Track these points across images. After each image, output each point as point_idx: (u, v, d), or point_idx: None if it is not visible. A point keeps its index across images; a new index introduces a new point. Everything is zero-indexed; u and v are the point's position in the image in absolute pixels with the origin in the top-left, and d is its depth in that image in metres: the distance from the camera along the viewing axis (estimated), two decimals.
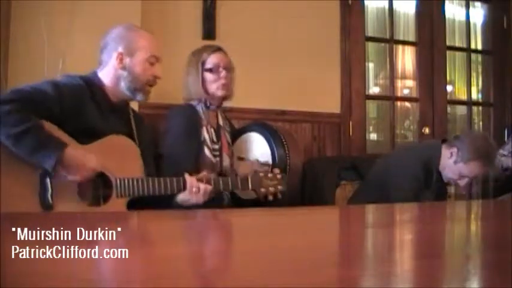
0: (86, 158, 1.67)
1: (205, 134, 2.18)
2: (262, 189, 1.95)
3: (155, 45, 1.91)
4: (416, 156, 2.44)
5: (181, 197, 1.82)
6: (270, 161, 2.20)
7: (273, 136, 2.23)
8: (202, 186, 1.83)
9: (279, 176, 1.98)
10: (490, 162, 2.36)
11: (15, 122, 1.58)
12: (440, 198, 2.53)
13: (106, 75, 1.86)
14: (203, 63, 2.23)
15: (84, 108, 1.76)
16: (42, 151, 1.59)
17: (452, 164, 2.35)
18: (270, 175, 1.97)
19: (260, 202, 2.05)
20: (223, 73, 2.23)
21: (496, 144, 2.49)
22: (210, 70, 2.23)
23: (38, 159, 1.60)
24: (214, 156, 2.18)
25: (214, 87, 2.22)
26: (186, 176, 1.83)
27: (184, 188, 1.82)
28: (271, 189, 1.96)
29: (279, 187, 1.97)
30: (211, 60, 2.24)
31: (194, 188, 1.81)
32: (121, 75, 1.85)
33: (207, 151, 2.16)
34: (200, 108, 2.22)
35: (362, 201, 2.40)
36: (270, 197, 1.96)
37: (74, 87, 1.76)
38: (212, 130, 2.22)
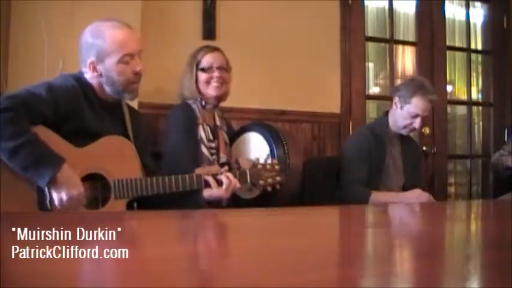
0: (73, 186, 1.63)
1: (201, 133, 2.19)
2: (261, 182, 1.95)
3: (126, 43, 1.81)
4: (362, 127, 2.77)
5: (215, 193, 1.87)
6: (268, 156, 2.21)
7: (272, 136, 2.23)
8: (233, 180, 1.87)
9: (277, 167, 1.98)
10: (428, 91, 2.52)
11: (10, 135, 1.55)
12: (415, 156, 2.72)
13: (90, 78, 1.84)
14: (198, 63, 2.25)
15: (79, 109, 1.75)
16: (35, 168, 1.57)
17: (400, 111, 2.54)
18: (268, 167, 1.97)
19: (260, 202, 2.05)
20: (215, 73, 2.24)
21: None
22: (203, 70, 2.24)
23: (31, 176, 1.59)
24: (211, 154, 2.19)
25: (207, 87, 2.23)
26: (224, 175, 1.87)
27: (184, 186, 1.82)
28: (270, 180, 1.96)
29: (278, 178, 1.98)
30: (205, 60, 2.25)
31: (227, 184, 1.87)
32: (101, 81, 1.83)
33: (204, 149, 2.17)
34: (196, 106, 2.23)
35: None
36: (269, 188, 1.97)
37: (68, 89, 1.74)
38: (208, 128, 2.23)
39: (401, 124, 2.55)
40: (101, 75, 1.81)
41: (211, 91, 2.23)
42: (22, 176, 1.59)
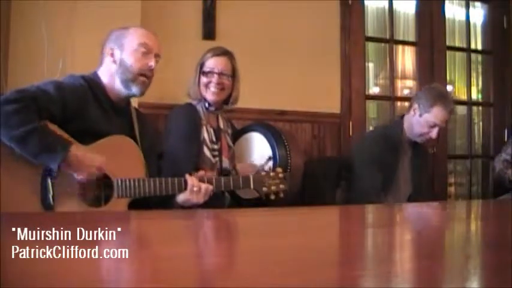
0: (91, 157, 1.67)
1: (204, 134, 2.18)
2: (264, 189, 1.95)
3: (146, 36, 1.90)
4: (376, 131, 2.72)
5: (182, 197, 1.83)
6: (270, 158, 2.20)
7: (274, 136, 2.23)
8: (203, 185, 1.83)
9: (281, 175, 1.98)
10: (449, 102, 2.49)
11: (19, 123, 1.57)
12: (423, 164, 2.67)
13: (103, 73, 1.88)
14: (202, 65, 2.24)
15: (87, 109, 1.76)
16: (47, 153, 1.59)
17: (418, 118, 2.48)
18: (272, 174, 1.97)
19: (260, 202, 2.05)
20: (214, 78, 2.21)
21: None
22: (204, 73, 2.22)
23: (43, 161, 1.61)
24: (214, 156, 2.18)
25: (205, 90, 2.22)
26: (187, 176, 1.83)
27: (186, 189, 1.82)
28: (274, 188, 1.96)
29: (281, 186, 1.97)
30: (208, 64, 2.23)
31: (195, 188, 1.82)
32: (114, 70, 1.86)
33: (206, 151, 2.16)
34: (200, 107, 2.22)
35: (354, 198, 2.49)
36: (272, 196, 1.96)
37: (76, 88, 1.76)
38: (212, 130, 2.22)
39: (417, 132, 2.49)
40: (115, 61, 1.86)
41: (209, 95, 2.21)
42: (33, 162, 1.60)
